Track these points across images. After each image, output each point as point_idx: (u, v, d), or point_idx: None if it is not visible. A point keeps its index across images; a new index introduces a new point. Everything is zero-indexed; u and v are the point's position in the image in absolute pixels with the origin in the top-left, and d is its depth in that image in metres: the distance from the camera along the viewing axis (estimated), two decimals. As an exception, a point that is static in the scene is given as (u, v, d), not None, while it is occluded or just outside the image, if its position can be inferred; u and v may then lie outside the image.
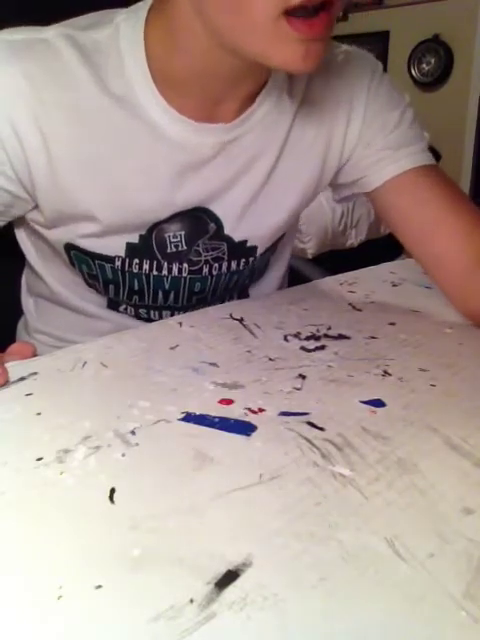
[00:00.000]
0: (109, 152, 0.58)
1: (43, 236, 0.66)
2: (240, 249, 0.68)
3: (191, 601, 0.27)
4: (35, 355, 0.52)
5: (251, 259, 0.70)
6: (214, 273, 0.69)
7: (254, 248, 0.69)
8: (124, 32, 0.57)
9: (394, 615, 0.27)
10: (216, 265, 0.68)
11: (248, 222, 0.67)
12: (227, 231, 0.66)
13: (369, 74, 0.67)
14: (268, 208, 0.67)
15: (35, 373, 0.49)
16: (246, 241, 0.68)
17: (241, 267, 0.70)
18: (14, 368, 0.49)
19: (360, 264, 0.85)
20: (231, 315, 0.63)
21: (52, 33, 0.56)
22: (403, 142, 0.67)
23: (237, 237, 0.67)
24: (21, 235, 0.71)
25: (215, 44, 0.53)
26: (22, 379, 0.48)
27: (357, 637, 0.26)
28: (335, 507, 0.33)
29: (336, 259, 2.50)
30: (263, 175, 0.65)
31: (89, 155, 0.58)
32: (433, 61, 3.56)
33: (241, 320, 0.62)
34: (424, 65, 3.61)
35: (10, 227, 0.70)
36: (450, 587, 0.28)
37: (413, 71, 3.66)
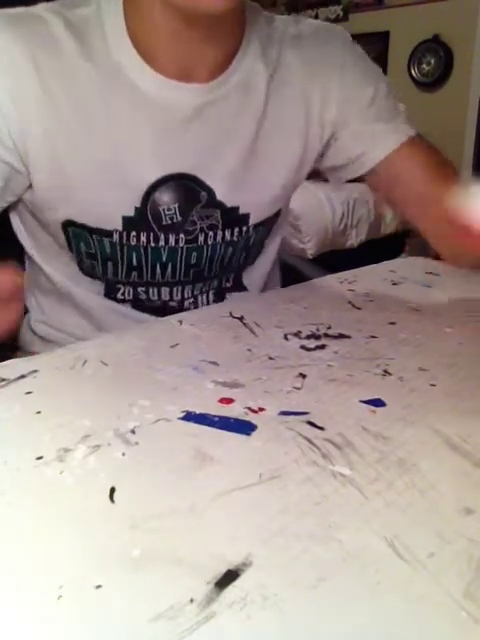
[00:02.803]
0: (96, 118, 0.61)
1: (40, 220, 0.68)
2: (233, 215, 0.70)
3: (191, 601, 0.27)
4: (18, 288, 0.51)
5: (244, 228, 0.72)
6: (209, 242, 0.71)
7: (247, 216, 0.71)
8: (105, 7, 0.61)
9: (394, 615, 0.27)
10: (211, 233, 0.70)
11: (238, 189, 0.69)
12: (219, 197, 0.68)
13: (340, 49, 0.70)
14: (257, 177, 0.69)
15: (35, 371, 0.49)
16: (238, 208, 0.70)
17: (235, 237, 0.72)
18: (14, 366, 0.49)
19: (360, 264, 0.85)
20: (231, 313, 0.63)
21: (41, 7, 0.61)
22: (382, 117, 0.70)
23: (229, 203, 0.69)
24: (17, 225, 0.73)
25: (162, 2, 0.56)
26: (22, 377, 0.48)
27: (357, 637, 0.26)
28: (335, 507, 0.33)
29: (336, 259, 2.50)
30: (246, 142, 0.67)
31: (78, 121, 0.61)
32: (433, 61, 3.55)
33: (241, 319, 0.62)
34: (424, 65, 3.60)
35: (8, 223, 0.72)
36: (450, 587, 0.28)
37: (413, 71, 3.65)
